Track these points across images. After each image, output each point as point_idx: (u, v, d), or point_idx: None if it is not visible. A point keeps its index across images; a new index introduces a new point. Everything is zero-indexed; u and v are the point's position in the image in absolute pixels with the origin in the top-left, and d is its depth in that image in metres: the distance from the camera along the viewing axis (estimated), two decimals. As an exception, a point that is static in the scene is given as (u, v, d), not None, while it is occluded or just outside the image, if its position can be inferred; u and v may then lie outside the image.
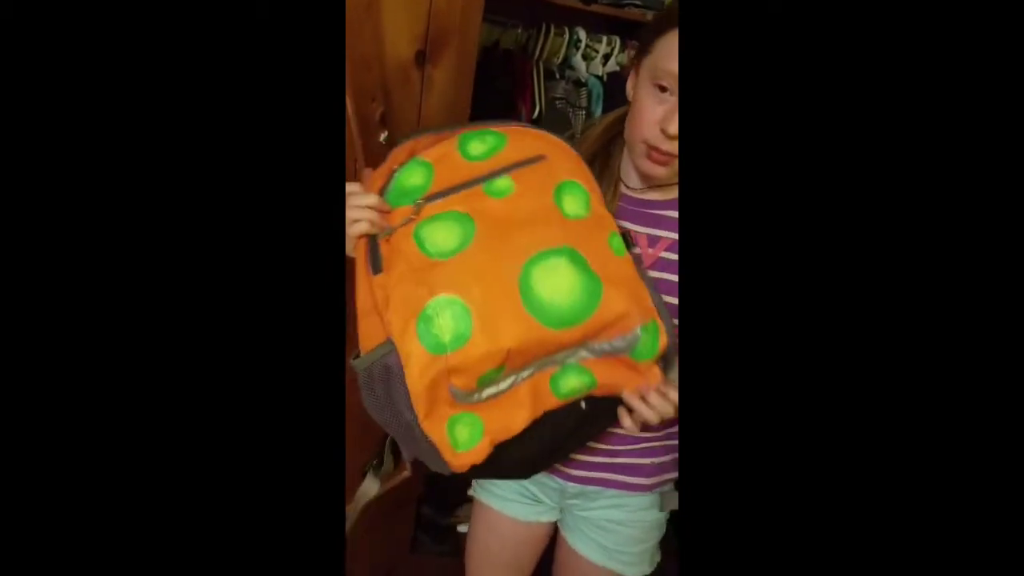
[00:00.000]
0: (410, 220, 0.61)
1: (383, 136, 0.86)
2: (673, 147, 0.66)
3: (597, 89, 1.64)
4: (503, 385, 0.60)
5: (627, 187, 0.77)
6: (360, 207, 0.62)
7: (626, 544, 0.86)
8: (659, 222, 0.74)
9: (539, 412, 0.61)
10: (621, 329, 0.60)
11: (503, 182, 0.62)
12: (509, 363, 0.58)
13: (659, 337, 0.61)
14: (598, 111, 1.63)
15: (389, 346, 0.57)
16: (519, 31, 1.58)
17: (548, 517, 0.93)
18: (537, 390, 0.61)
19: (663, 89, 0.66)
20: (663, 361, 0.64)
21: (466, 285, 0.57)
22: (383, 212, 0.62)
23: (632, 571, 0.88)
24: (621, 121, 0.77)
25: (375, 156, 0.87)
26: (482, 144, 0.65)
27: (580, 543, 0.89)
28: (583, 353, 0.61)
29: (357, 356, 0.60)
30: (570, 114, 1.60)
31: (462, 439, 0.58)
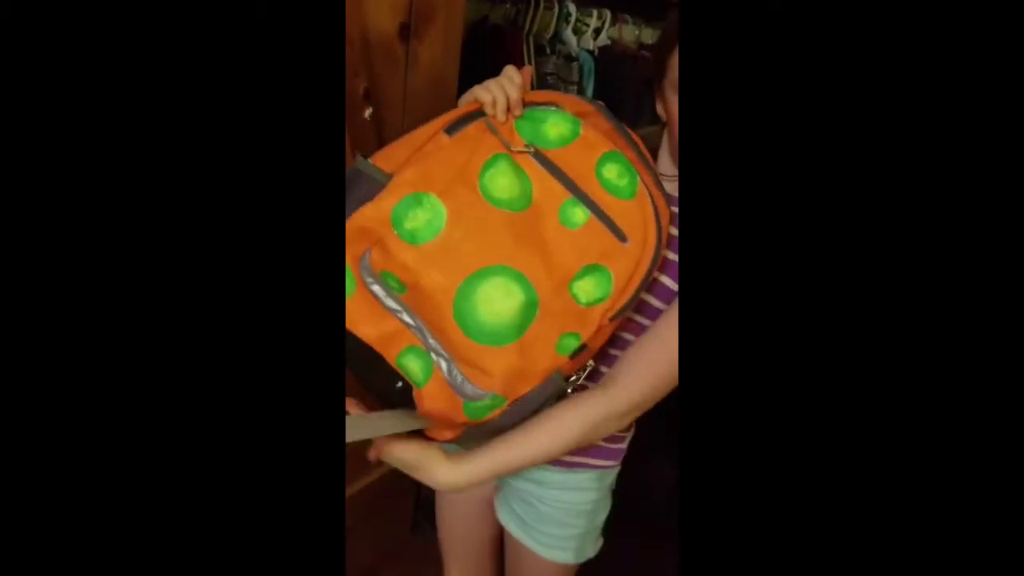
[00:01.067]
0: (508, 147, 0.61)
1: (368, 112, 0.84)
2: None
3: (588, 64, 1.62)
4: (389, 303, 0.60)
5: (663, 176, 0.76)
6: (503, 90, 0.61)
7: (544, 523, 0.81)
8: None
9: (373, 346, 0.60)
10: (480, 381, 0.59)
11: (580, 214, 0.60)
12: (410, 294, 0.59)
13: (490, 414, 0.60)
14: (590, 86, 1.61)
15: (384, 179, 0.60)
16: (508, 5, 1.55)
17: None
18: (395, 336, 0.60)
19: None
20: (473, 433, 0.62)
21: (460, 224, 0.58)
22: (511, 113, 0.62)
23: (551, 555, 0.82)
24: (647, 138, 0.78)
25: (359, 132, 0.86)
26: (617, 178, 0.62)
27: (504, 514, 0.85)
28: (443, 363, 0.60)
29: (366, 157, 0.62)
30: (562, 90, 1.57)
31: None
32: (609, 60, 1.66)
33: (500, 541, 0.97)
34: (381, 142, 0.91)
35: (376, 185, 0.59)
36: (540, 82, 1.54)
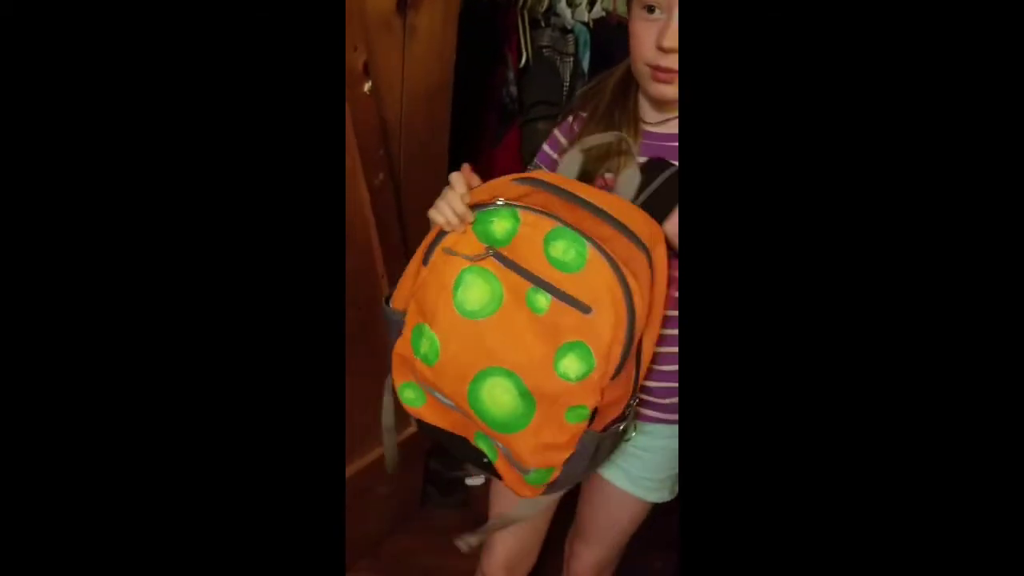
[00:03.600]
0: (467, 258, 0.67)
1: (367, 86, 0.85)
2: (672, 62, 0.68)
3: (584, 36, 1.61)
4: (447, 402, 0.72)
5: (647, 124, 0.78)
6: (449, 206, 0.67)
7: (649, 471, 0.89)
8: (677, 155, 0.75)
9: (454, 431, 0.74)
10: (520, 460, 0.68)
11: (543, 300, 0.64)
12: (448, 395, 0.70)
13: (550, 475, 0.68)
14: (585, 58, 1.61)
15: (402, 317, 0.72)
16: (502, -21, 1.54)
17: None
18: (466, 424, 0.72)
19: (651, 9, 0.69)
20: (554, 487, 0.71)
21: (451, 342, 0.67)
22: (465, 223, 0.67)
23: (653, 496, 0.91)
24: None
25: (359, 106, 0.87)
26: (563, 254, 0.64)
27: (605, 469, 0.91)
28: (499, 444, 0.70)
29: (388, 300, 0.74)
30: (557, 62, 1.57)
31: (407, 398, 0.75)
32: (605, 31, 1.65)
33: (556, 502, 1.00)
34: (380, 115, 0.92)
35: (400, 324, 0.72)
36: (536, 55, 1.54)
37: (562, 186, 0.65)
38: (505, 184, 0.67)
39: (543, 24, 1.57)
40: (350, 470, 1.24)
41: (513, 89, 1.51)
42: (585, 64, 1.62)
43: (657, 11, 0.68)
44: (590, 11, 1.65)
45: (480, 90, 1.48)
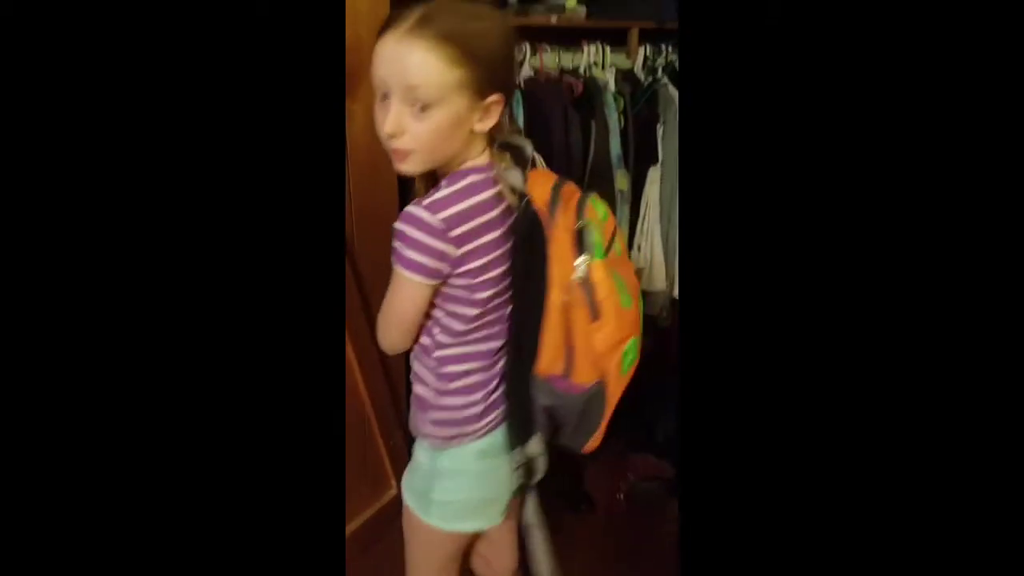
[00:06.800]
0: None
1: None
2: (395, 142, 0.78)
3: (515, 95, 1.75)
4: None
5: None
6: None
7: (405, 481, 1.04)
8: None
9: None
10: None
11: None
12: None
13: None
14: (520, 115, 1.74)
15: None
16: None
17: None
18: None
19: (385, 96, 0.78)
20: None
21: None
22: None
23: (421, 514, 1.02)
24: None
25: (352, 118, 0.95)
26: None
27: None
28: None
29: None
30: (494, 120, 1.69)
31: None
32: (535, 86, 1.80)
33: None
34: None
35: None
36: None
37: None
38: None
39: (477, 88, 1.69)
40: (351, 526, 1.31)
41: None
42: (520, 119, 1.75)
43: (387, 99, 0.77)
44: (520, 71, 1.79)
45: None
